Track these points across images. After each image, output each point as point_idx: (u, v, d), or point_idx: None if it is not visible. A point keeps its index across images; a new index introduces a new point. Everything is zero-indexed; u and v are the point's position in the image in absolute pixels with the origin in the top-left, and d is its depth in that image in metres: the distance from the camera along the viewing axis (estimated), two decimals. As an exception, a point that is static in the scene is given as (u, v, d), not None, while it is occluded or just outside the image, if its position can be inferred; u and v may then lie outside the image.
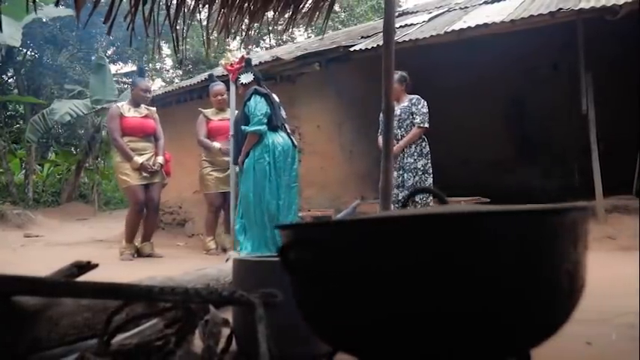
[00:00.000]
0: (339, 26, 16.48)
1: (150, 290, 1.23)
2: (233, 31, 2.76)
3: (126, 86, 14.07)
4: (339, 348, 0.68)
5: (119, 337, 1.37)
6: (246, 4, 2.65)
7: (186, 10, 2.42)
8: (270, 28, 2.88)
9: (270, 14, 2.84)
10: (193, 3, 2.48)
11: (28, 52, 12.74)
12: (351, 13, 18.09)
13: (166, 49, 14.77)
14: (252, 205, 3.91)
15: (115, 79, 15.54)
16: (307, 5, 2.88)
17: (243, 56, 4.43)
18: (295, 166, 4.12)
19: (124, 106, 4.60)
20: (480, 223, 0.56)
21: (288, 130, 4.21)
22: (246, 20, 2.72)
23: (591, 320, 1.86)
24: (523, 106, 6.78)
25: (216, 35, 2.83)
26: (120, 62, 16.15)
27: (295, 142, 4.21)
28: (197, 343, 1.36)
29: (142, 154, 4.50)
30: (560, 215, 0.60)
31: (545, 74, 6.53)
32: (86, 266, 1.39)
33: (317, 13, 2.94)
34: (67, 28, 12.28)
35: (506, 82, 6.58)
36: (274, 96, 4.19)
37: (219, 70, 6.32)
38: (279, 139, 4.00)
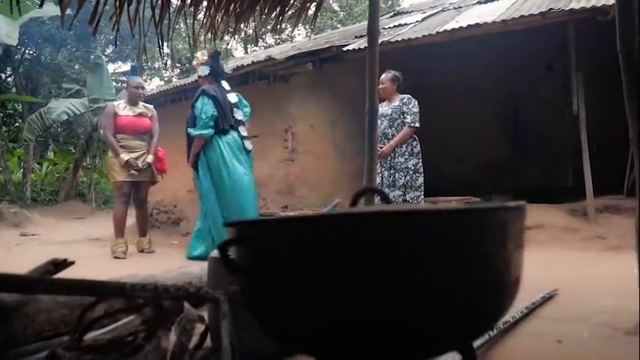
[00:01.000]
0: (339, 25, 16.49)
1: (121, 287, 1.26)
2: (220, 31, 2.78)
3: (124, 85, 14.10)
4: (285, 345, 0.70)
5: (95, 333, 1.40)
6: (232, 6, 2.67)
7: (171, 11, 2.44)
8: (257, 28, 2.90)
9: (257, 15, 2.86)
10: (179, 3, 2.50)
11: (27, 51, 12.77)
12: (350, 12, 18.10)
13: (165, 48, 14.80)
14: (215, 206, 3.97)
15: (113, 77, 15.59)
16: (294, 7, 2.90)
17: (210, 53, 4.25)
18: (249, 167, 4.12)
19: (120, 105, 4.66)
20: (404, 222, 0.58)
21: (243, 132, 4.13)
22: (233, 21, 2.74)
23: (568, 319, 1.89)
24: (518, 106, 6.80)
25: (203, 36, 2.85)
26: (119, 61, 16.19)
27: (247, 145, 4.15)
28: (173, 339, 1.39)
29: (133, 152, 4.54)
30: (485, 215, 0.62)
31: (540, 74, 6.55)
32: (62, 264, 1.42)
33: (304, 14, 2.96)
34: (65, 27, 12.29)
35: (501, 82, 6.60)
36: (231, 95, 4.10)
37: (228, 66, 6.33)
38: (229, 139, 3.99)
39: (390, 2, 18.77)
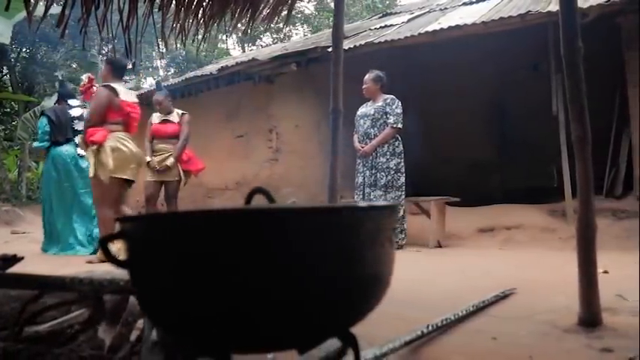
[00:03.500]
0: (336, 25, 16.50)
1: (62, 281, 1.32)
2: (192, 34, 2.84)
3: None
4: (166, 333, 0.75)
5: (44, 326, 1.46)
6: (201, 9, 2.72)
7: (139, 14, 2.49)
8: (228, 32, 2.95)
9: (227, 18, 2.91)
10: (148, 7, 2.55)
11: (23, 50, 12.85)
12: (345, 12, 18.13)
13: (162, 46, 14.80)
14: (48, 208, 4.74)
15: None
16: (266, 10, 2.96)
17: (89, 77, 4.92)
18: (84, 174, 4.50)
19: (154, 114, 4.95)
20: (255, 220, 0.64)
21: (78, 141, 4.66)
22: (202, 25, 2.80)
23: (514, 317, 1.94)
24: (504, 106, 6.85)
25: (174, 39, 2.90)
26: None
27: (80, 152, 4.64)
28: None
29: (157, 155, 4.79)
30: (343, 214, 0.68)
31: (526, 75, 6.60)
32: (12, 259, 1.48)
33: (276, 16, 3.01)
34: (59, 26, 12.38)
35: (487, 83, 6.65)
36: (72, 111, 4.78)
37: (208, 69, 6.41)
38: (64, 151, 4.68)
39: (387, 2, 18.82)
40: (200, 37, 2.85)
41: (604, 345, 1.50)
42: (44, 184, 4.90)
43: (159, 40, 2.58)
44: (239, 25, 3.02)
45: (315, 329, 0.76)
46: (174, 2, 2.61)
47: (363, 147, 4.68)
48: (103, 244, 0.72)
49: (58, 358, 1.16)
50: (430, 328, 1.56)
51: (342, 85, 5.60)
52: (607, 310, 1.94)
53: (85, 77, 4.92)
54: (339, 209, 0.69)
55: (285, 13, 3.09)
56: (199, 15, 2.71)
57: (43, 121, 4.75)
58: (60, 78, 5.37)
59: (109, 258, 0.72)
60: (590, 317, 1.72)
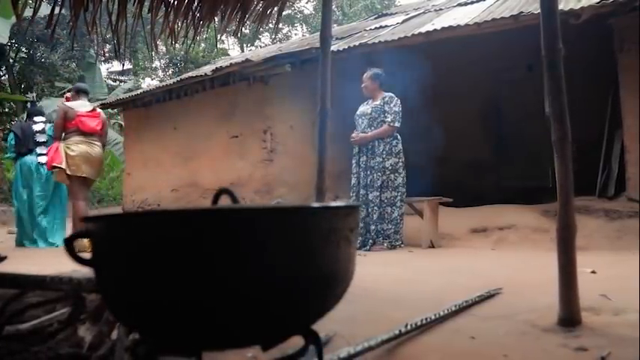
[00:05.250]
0: (334, 25, 16.56)
1: (43, 280, 1.34)
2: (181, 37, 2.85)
3: (120, 84, 14.22)
4: (128, 327, 0.77)
5: (26, 325, 1.48)
6: (191, 11, 2.74)
7: (129, 16, 2.51)
8: (221, 32, 2.98)
9: (218, 20, 2.93)
10: (137, 9, 2.57)
11: (22, 49, 12.88)
12: (344, 12, 18.17)
13: (162, 47, 14.88)
14: (20, 207, 5.35)
15: (112, 77, 15.71)
16: (256, 11, 2.98)
17: (67, 97, 5.41)
18: (42, 180, 5.26)
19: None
20: (225, 219, 0.66)
21: (41, 151, 5.21)
22: (192, 27, 2.81)
23: (496, 317, 1.95)
24: (499, 107, 6.87)
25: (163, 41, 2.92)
26: (116, 61, 16.29)
27: (41, 159, 5.20)
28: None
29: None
30: (296, 215, 0.70)
31: (520, 75, 6.61)
32: (-4, 259, 1.50)
33: (266, 18, 3.03)
34: (59, 26, 12.43)
35: (483, 83, 6.66)
36: (35, 126, 5.37)
37: (203, 70, 6.43)
38: (28, 160, 5.29)
39: (386, 2, 18.84)
40: (190, 39, 2.87)
41: (579, 344, 1.52)
42: (14, 188, 5.73)
43: (148, 42, 2.60)
44: (230, 26, 3.03)
45: (274, 326, 0.78)
46: (163, 4, 2.63)
47: (357, 135, 4.64)
48: (68, 242, 0.74)
49: (37, 355, 1.18)
50: (409, 327, 1.58)
51: (338, 85, 5.63)
52: (589, 309, 1.96)
53: (64, 99, 5.60)
54: (291, 210, 0.71)
55: (275, 14, 3.10)
56: (189, 17, 2.73)
57: (10, 135, 5.61)
58: (31, 99, 6.18)
59: (73, 256, 0.74)
60: (570, 317, 1.73)
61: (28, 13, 10.63)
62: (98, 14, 2.39)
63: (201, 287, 0.67)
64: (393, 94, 4.62)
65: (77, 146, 4.61)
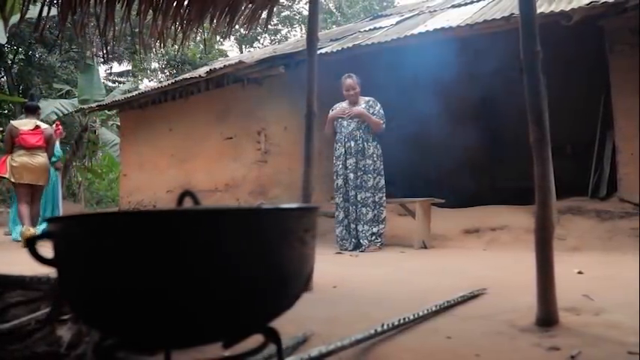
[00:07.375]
0: (334, 26, 16.61)
1: (22, 279, 1.37)
2: (170, 39, 2.88)
3: (118, 85, 14.26)
4: (89, 326, 0.79)
5: (6, 325, 1.50)
6: (179, 14, 2.76)
7: (117, 19, 2.54)
8: (210, 35, 2.99)
9: (207, 22, 2.95)
10: (125, 12, 2.59)
11: (20, 51, 12.91)
12: (343, 13, 18.20)
13: (161, 49, 14.88)
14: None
15: (111, 78, 15.73)
16: (245, 14, 3.00)
17: (57, 123, 6.10)
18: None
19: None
20: (182, 221, 0.69)
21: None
22: (181, 29, 2.84)
23: (475, 317, 1.97)
24: (494, 107, 6.89)
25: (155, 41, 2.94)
26: (114, 62, 16.32)
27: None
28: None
29: None
30: (248, 216, 0.72)
31: (515, 76, 6.60)
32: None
33: (255, 21, 3.06)
34: (54, 28, 12.45)
35: (477, 84, 6.68)
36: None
37: (198, 71, 6.46)
38: None
39: (384, 4, 18.87)
40: (180, 41, 2.89)
41: (553, 344, 1.54)
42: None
43: (137, 44, 2.63)
44: (220, 28, 3.06)
45: (231, 324, 0.80)
46: (151, 8, 2.65)
47: (349, 137, 4.68)
48: (30, 243, 0.76)
49: (13, 354, 1.20)
50: (385, 327, 1.60)
51: (331, 87, 5.64)
52: (570, 309, 1.98)
53: (54, 125, 6.25)
54: (244, 211, 0.73)
55: (264, 16, 3.12)
56: (177, 20, 2.75)
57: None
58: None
59: (35, 257, 0.77)
60: (547, 317, 1.75)
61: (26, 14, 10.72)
62: (86, 18, 2.41)
63: (154, 286, 0.69)
64: (374, 98, 4.70)
65: (20, 158, 5.34)
